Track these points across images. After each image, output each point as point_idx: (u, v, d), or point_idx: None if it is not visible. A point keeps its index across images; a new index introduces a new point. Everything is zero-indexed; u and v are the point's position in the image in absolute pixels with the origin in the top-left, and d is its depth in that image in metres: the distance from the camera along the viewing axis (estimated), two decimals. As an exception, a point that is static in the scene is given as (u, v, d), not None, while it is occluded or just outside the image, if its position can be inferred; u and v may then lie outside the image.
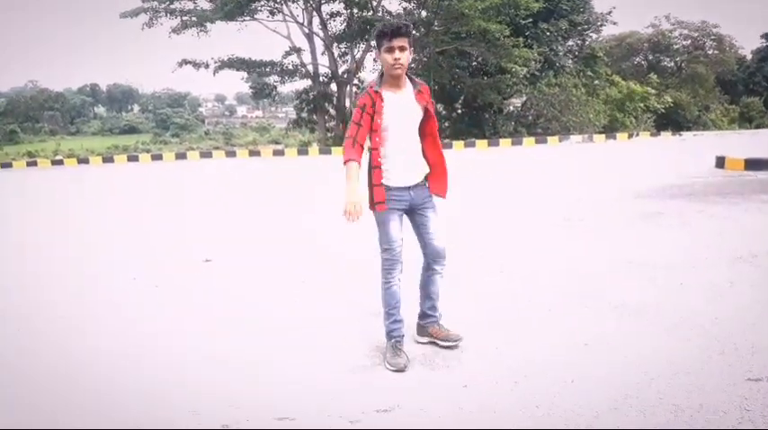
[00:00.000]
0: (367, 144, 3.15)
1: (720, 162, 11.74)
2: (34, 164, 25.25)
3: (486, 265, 5.05)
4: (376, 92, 3.10)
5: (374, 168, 3.13)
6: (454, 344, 3.34)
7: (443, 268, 3.36)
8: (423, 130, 3.25)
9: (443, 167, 3.30)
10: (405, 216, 3.29)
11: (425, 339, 3.43)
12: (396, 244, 3.20)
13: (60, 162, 25.79)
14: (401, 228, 3.24)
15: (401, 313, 3.30)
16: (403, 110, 3.13)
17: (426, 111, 3.20)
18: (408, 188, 3.21)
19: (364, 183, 3.17)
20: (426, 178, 3.29)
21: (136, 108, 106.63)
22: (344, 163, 3.08)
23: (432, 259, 3.33)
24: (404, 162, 3.18)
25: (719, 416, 2.51)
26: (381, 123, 3.09)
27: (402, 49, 3.01)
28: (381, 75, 3.15)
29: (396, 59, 3.00)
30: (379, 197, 3.12)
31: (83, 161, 25.58)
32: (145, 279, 5.23)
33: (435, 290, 3.39)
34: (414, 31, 3.45)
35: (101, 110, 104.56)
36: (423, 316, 3.44)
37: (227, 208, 9.67)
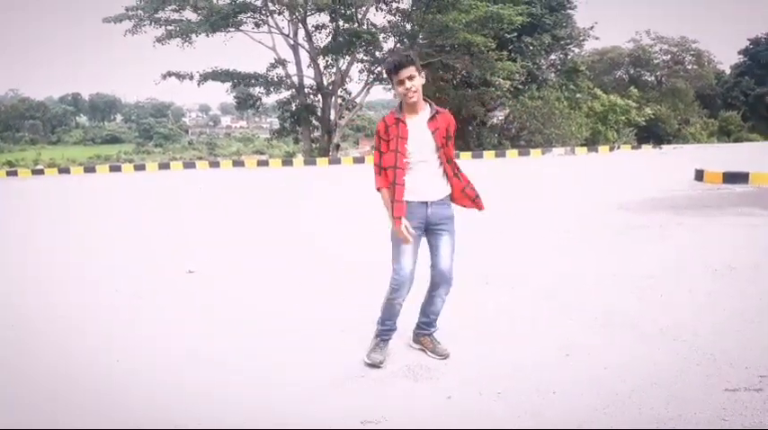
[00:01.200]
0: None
1: (699, 175, 11.95)
2: (14, 173, 24.93)
3: (471, 276, 5.09)
4: (397, 119, 3.23)
5: (396, 185, 3.22)
6: (439, 358, 3.41)
7: (447, 293, 3.43)
8: (446, 152, 3.32)
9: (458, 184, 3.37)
10: (423, 236, 3.35)
11: (417, 346, 3.55)
12: (403, 263, 3.27)
13: (41, 172, 25.49)
14: (415, 252, 3.29)
15: (396, 324, 3.44)
16: (420, 132, 3.25)
17: (446, 133, 3.27)
18: (426, 204, 3.28)
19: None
20: (450, 197, 3.37)
21: (119, 118, 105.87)
22: (377, 190, 3.29)
23: (437, 280, 3.39)
24: (423, 178, 3.27)
25: (697, 426, 2.56)
26: (408, 147, 3.21)
27: (411, 78, 3.14)
28: (401, 104, 3.28)
29: (407, 89, 3.15)
30: (399, 212, 3.20)
31: (64, 171, 25.31)
32: (143, 284, 5.19)
33: (435, 310, 3.48)
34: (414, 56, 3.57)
35: (83, 119, 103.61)
36: (418, 326, 3.55)
37: (225, 211, 9.62)
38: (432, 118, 3.25)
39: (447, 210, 3.35)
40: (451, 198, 3.38)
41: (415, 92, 3.16)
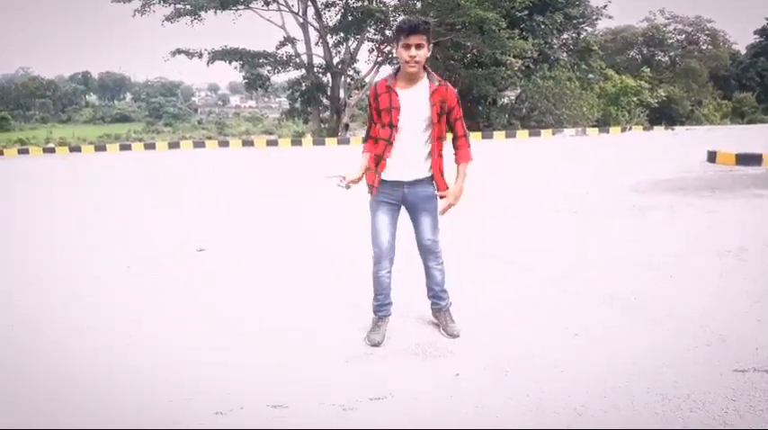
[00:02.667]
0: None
1: (712, 157, 11.83)
2: (26, 152, 25.07)
3: (479, 257, 5.09)
4: (388, 87, 3.14)
5: (377, 156, 3.22)
6: (448, 337, 3.43)
7: (438, 264, 3.45)
8: (436, 131, 3.21)
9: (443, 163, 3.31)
10: (402, 209, 3.35)
11: (437, 321, 3.58)
12: (379, 239, 3.31)
13: (52, 150, 25.61)
14: (390, 224, 3.31)
15: (390, 298, 3.46)
16: (411, 106, 3.15)
17: (440, 109, 3.15)
18: (403, 184, 3.24)
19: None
20: (433, 178, 3.28)
21: (128, 97, 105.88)
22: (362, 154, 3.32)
23: (424, 256, 3.45)
24: (404, 158, 3.21)
25: (706, 406, 2.56)
26: (400, 119, 3.14)
27: (419, 46, 3.01)
28: (397, 70, 3.17)
29: (411, 57, 3.02)
30: (370, 181, 3.27)
31: (75, 149, 25.41)
32: (142, 268, 5.24)
33: (435, 282, 3.49)
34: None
35: (92, 98, 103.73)
36: (431, 301, 3.58)
37: (227, 199, 9.66)
38: (433, 92, 3.14)
39: (425, 190, 3.26)
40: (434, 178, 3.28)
41: (417, 62, 3.04)
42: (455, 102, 3.20)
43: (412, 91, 3.15)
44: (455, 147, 3.31)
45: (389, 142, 3.18)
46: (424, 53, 3.05)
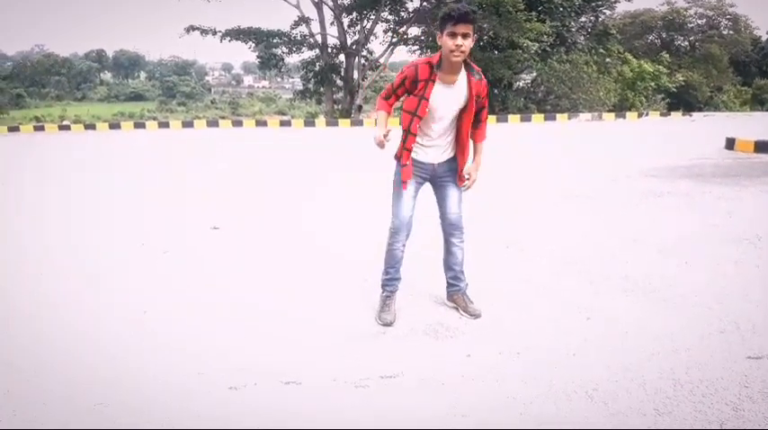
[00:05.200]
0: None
1: (730, 144, 11.65)
2: (42, 128, 25.24)
3: (492, 240, 5.08)
4: (430, 73, 3.08)
5: (405, 150, 3.22)
6: (471, 317, 3.43)
7: (461, 241, 3.47)
8: (464, 119, 3.23)
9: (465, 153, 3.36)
10: (427, 184, 3.40)
11: (451, 304, 3.58)
12: (401, 211, 3.33)
13: (67, 127, 25.77)
14: (413, 198, 3.34)
15: (400, 272, 3.48)
16: (447, 97, 3.14)
17: (471, 101, 3.16)
18: (434, 165, 3.32)
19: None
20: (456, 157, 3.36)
21: (142, 75, 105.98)
22: (376, 111, 3.29)
23: (448, 231, 3.46)
24: (434, 145, 3.27)
25: (719, 392, 2.55)
26: (428, 108, 3.12)
27: (465, 36, 2.95)
28: (440, 60, 3.09)
29: (457, 46, 2.95)
30: (406, 176, 3.25)
31: (89, 127, 25.54)
32: (154, 248, 5.29)
33: (456, 261, 3.51)
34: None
35: (107, 76, 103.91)
36: (448, 283, 3.58)
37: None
38: (476, 81, 3.13)
39: (452, 164, 3.35)
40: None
41: (462, 51, 2.97)
42: (485, 93, 3.25)
43: (451, 83, 3.13)
44: (474, 127, 3.34)
45: (409, 131, 3.18)
46: (469, 43, 2.98)
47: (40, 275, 4.53)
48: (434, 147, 3.28)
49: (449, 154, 3.33)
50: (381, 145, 3.11)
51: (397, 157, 3.31)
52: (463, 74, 3.14)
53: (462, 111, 3.20)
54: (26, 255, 5.17)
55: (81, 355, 3.14)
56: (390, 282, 3.49)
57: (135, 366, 2.98)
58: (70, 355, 3.13)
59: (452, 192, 3.37)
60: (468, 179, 3.37)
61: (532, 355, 2.95)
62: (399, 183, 3.30)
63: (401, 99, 3.26)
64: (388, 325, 3.35)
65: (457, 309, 3.53)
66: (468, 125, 3.26)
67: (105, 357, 3.10)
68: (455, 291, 3.55)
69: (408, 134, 3.19)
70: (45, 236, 5.89)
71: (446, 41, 2.97)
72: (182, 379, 2.82)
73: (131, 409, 2.59)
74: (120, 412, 2.58)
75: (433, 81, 3.09)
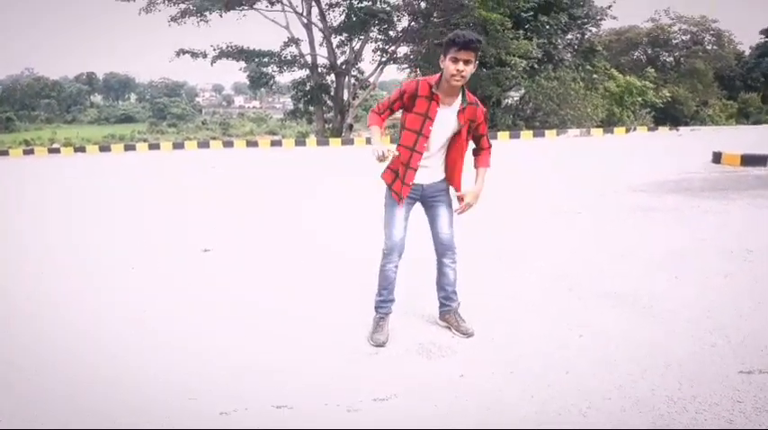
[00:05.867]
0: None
1: (717, 157, 11.78)
2: (31, 152, 25.16)
3: (483, 256, 5.08)
4: (432, 92, 3.12)
5: (409, 169, 3.22)
6: (463, 336, 3.43)
7: (453, 262, 3.47)
8: (456, 141, 3.25)
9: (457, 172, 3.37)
10: (418, 204, 3.41)
11: (443, 324, 3.57)
12: (393, 232, 3.34)
13: (57, 150, 25.70)
14: (404, 219, 3.35)
15: (393, 294, 3.48)
16: (442, 121, 3.16)
17: (468, 128, 3.20)
18: (422, 186, 3.33)
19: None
20: (446, 179, 3.38)
21: (133, 97, 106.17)
22: (368, 126, 3.31)
23: (440, 251, 3.46)
24: (424, 165, 3.27)
25: (712, 407, 2.55)
26: (432, 131, 3.16)
27: (467, 62, 3.01)
28: (440, 81, 3.14)
29: (458, 71, 3.00)
30: (406, 193, 3.27)
31: (79, 150, 25.49)
32: (145, 269, 5.25)
33: (448, 281, 3.50)
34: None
35: (97, 99, 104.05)
36: (440, 303, 3.58)
37: (227, 198, 9.67)
38: (464, 109, 3.16)
39: (441, 185, 3.36)
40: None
41: (463, 77, 3.02)
42: (482, 119, 3.26)
43: (447, 106, 3.16)
44: (476, 155, 3.40)
45: (416, 150, 3.19)
46: (471, 69, 3.04)
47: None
48: (424, 169, 3.28)
49: (438, 176, 3.34)
50: (382, 158, 3.07)
51: (389, 182, 3.31)
52: (458, 99, 3.18)
53: (455, 134, 3.23)
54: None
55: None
56: (384, 304, 3.48)
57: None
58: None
59: (442, 212, 3.38)
60: (462, 201, 3.34)
61: (525, 374, 2.94)
62: (391, 206, 3.32)
63: (395, 114, 3.29)
64: (381, 346, 3.34)
65: (449, 328, 3.52)
66: (460, 149, 3.26)
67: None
68: (447, 311, 3.55)
69: (414, 152, 3.20)
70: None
71: (448, 65, 3.02)
72: (172, 404, 2.79)
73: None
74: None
75: (436, 102, 3.13)
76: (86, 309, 4.20)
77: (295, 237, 5.63)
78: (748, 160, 11.02)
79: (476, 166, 3.41)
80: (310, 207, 7.87)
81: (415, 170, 3.24)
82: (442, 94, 3.13)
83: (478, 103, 3.23)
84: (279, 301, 4.18)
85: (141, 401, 2.68)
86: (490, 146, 3.43)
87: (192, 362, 3.14)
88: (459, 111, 3.16)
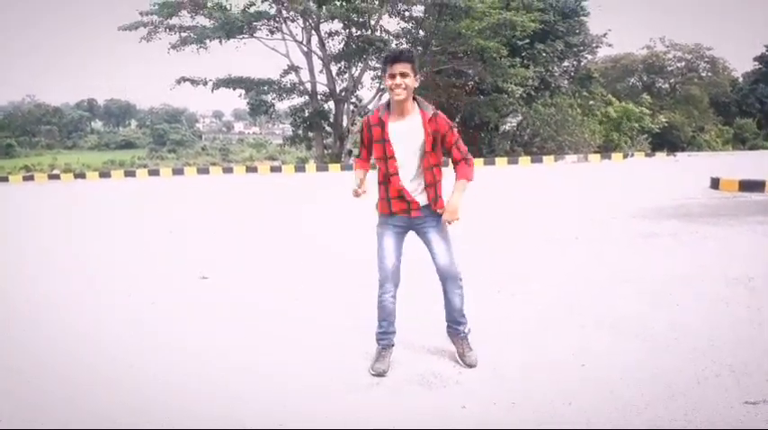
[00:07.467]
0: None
1: (715, 183, 11.84)
2: (31, 178, 25.22)
3: (483, 285, 5.06)
4: (380, 119, 3.19)
5: (393, 176, 3.23)
6: (465, 366, 3.39)
7: (457, 288, 3.42)
8: (429, 160, 3.22)
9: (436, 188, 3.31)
10: (411, 233, 3.38)
11: (451, 342, 3.55)
12: (385, 263, 3.32)
13: (57, 176, 25.77)
14: (396, 248, 3.33)
15: (394, 326, 3.43)
16: (403, 138, 3.18)
17: (434, 139, 3.17)
18: (408, 211, 3.28)
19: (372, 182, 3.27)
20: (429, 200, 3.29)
21: (133, 123, 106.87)
22: (354, 171, 3.42)
23: (441, 277, 3.41)
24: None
25: (717, 438, 2.52)
26: (393, 149, 3.18)
27: (403, 74, 3.05)
28: (388, 103, 3.22)
29: (396, 85, 3.06)
30: (381, 210, 3.33)
31: (79, 176, 25.57)
32: (144, 289, 5.22)
33: (453, 307, 3.46)
34: (414, 55, 3.53)
35: (98, 125, 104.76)
36: (448, 325, 3.54)
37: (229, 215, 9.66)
38: (428, 121, 3.15)
39: (426, 211, 3.28)
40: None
41: (403, 89, 3.06)
42: (447, 128, 3.21)
43: (404, 123, 3.18)
44: (455, 170, 3.33)
45: (393, 173, 3.20)
46: (410, 81, 3.08)
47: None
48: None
49: (422, 201, 3.26)
50: (356, 194, 3.22)
51: (382, 211, 3.33)
52: (416, 113, 3.19)
53: (426, 153, 3.19)
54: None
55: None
56: (384, 335, 3.43)
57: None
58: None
59: (434, 238, 3.31)
60: (442, 208, 3.26)
61: (528, 406, 2.90)
62: (382, 236, 3.32)
63: (371, 151, 3.30)
64: (381, 375, 3.30)
65: (455, 353, 3.49)
66: (436, 171, 3.23)
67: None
68: (455, 334, 3.51)
69: (390, 176, 3.20)
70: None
71: (387, 82, 3.11)
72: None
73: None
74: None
75: (385, 123, 3.17)
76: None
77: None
78: (746, 185, 11.07)
79: (455, 177, 3.30)
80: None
81: (400, 192, 3.20)
82: (392, 113, 3.19)
83: (438, 112, 3.21)
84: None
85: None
86: (465, 157, 3.27)
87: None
88: (424, 122, 3.15)
